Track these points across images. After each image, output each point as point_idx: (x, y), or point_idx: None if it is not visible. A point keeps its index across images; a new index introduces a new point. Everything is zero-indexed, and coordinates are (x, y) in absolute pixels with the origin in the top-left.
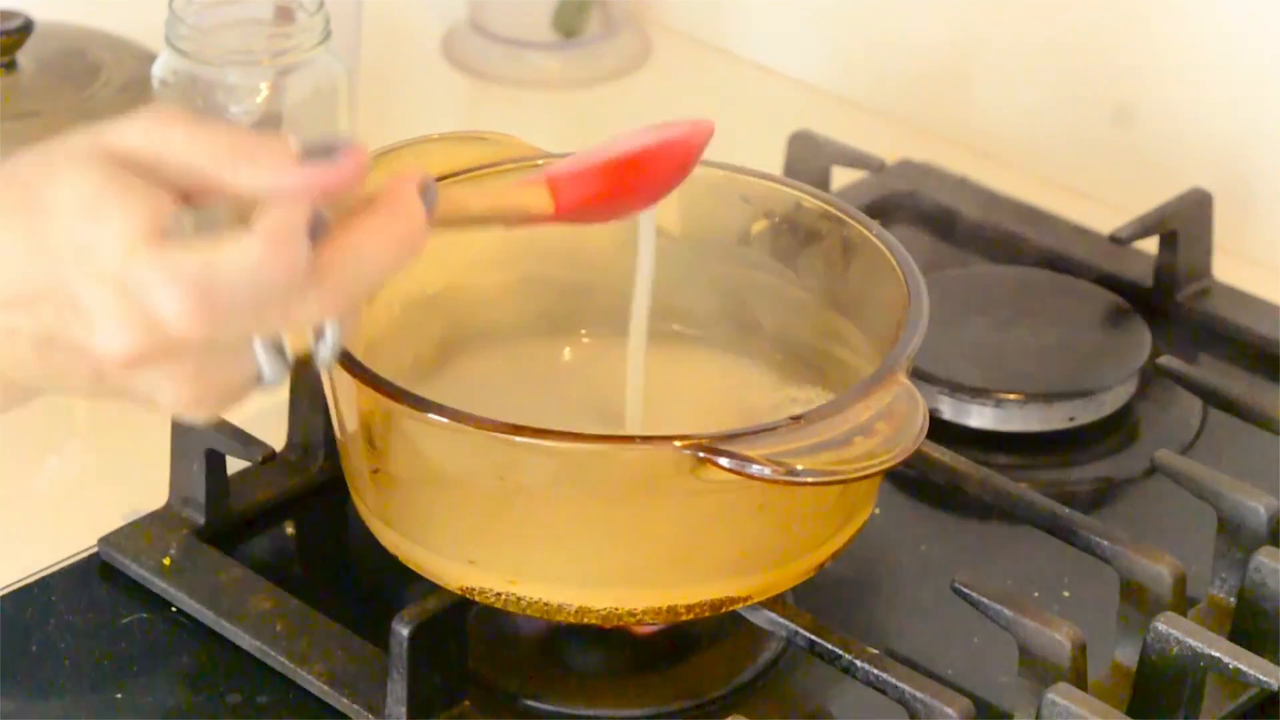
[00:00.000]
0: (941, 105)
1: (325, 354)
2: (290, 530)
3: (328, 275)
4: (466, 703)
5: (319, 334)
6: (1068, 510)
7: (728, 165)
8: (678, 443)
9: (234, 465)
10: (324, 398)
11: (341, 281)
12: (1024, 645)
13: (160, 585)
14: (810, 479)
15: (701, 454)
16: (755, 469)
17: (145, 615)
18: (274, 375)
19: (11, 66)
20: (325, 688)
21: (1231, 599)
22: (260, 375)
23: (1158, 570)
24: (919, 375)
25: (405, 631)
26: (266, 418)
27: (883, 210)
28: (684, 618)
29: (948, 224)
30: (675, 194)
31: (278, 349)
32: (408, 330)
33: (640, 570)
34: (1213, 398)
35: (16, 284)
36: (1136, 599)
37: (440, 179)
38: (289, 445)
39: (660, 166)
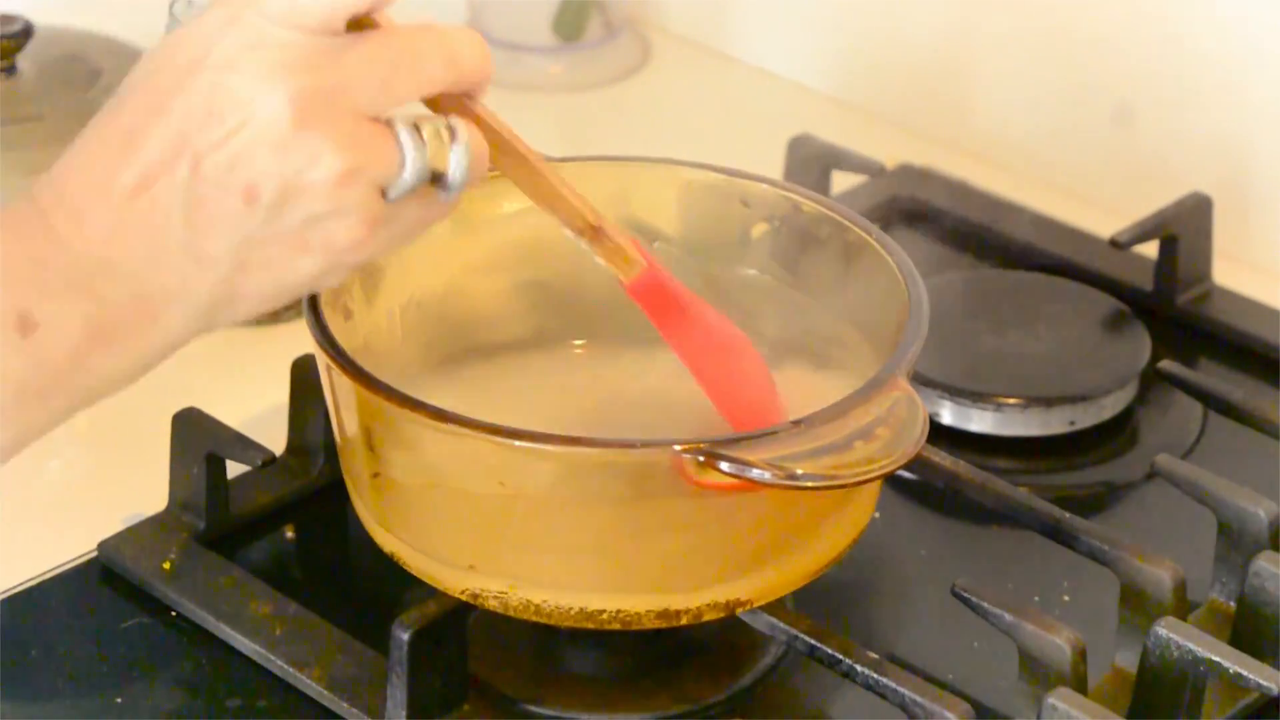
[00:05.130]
0: (941, 109)
1: (458, 165)
2: (290, 534)
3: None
4: (466, 707)
5: (452, 135)
6: (1068, 515)
7: (727, 169)
8: (678, 447)
9: (234, 469)
10: (324, 401)
11: (444, 57)
12: (1024, 649)
13: (160, 589)
14: (810, 483)
15: (702, 458)
16: (755, 473)
17: (145, 620)
18: (416, 167)
19: (12, 71)
20: (325, 692)
21: (1232, 603)
22: (403, 161)
23: (1158, 575)
24: (919, 380)
25: (405, 636)
26: (266, 421)
27: (883, 214)
28: (684, 622)
29: (948, 228)
30: (674, 197)
31: (417, 132)
32: (408, 334)
33: (640, 574)
34: (1213, 402)
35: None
36: (1137, 603)
37: None
38: (289, 449)
39: (731, 359)
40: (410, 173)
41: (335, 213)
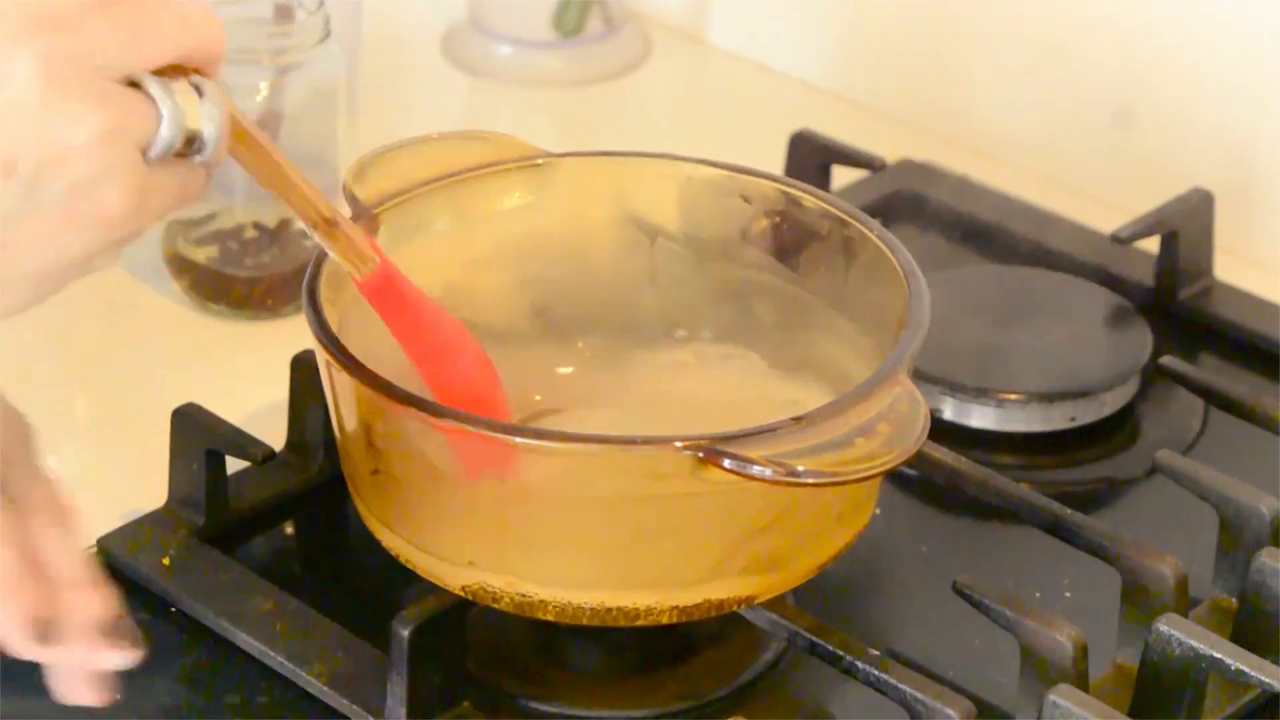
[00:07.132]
0: (942, 104)
1: (211, 121)
2: (290, 530)
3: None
4: (466, 703)
5: (200, 94)
6: (1069, 511)
7: (728, 164)
8: (679, 444)
9: (233, 465)
10: (324, 398)
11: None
12: (1025, 646)
13: (160, 586)
14: (811, 480)
15: (702, 455)
16: (756, 470)
17: (144, 616)
18: (174, 122)
19: None
20: (325, 688)
21: (1233, 600)
22: (160, 116)
23: (1159, 571)
24: (920, 376)
25: (405, 632)
26: (266, 417)
27: (883, 210)
28: (685, 618)
29: (948, 223)
30: (675, 193)
31: (166, 89)
32: None
33: (641, 571)
34: (1214, 398)
35: None
36: (1138, 600)
37: (440, 180)
38: (288, 445)
39: (456, 369)
40: (168, 128)
41: (101, 177)
